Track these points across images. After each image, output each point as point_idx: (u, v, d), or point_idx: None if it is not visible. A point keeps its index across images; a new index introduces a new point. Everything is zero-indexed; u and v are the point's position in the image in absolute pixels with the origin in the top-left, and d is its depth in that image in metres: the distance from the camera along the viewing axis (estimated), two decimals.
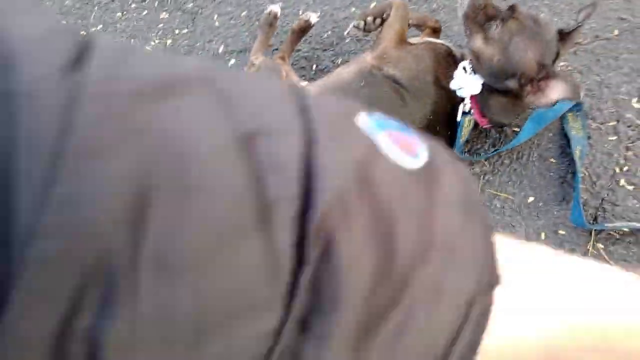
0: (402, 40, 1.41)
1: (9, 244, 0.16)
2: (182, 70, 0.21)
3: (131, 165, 0.17)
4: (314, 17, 1.63)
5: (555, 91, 1.22)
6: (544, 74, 1.23)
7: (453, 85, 1.34)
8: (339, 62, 1.69)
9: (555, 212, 1.39)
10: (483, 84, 1.33)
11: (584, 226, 1.31)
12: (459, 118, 1.37)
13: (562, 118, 1.45)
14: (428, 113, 1.37)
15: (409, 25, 1.55)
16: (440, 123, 1.39)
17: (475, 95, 1.35)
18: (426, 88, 1.36)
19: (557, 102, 1.24)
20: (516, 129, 1.47)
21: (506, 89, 1.30)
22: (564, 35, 1.28)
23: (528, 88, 1.26)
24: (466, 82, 1.34)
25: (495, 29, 1.27)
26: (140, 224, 0.17)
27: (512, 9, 1.26)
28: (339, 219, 0.20)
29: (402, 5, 1.44)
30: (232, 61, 1.80)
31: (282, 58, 1.63)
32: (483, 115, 1.38)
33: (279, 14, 1.66)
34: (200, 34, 1.88)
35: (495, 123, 1.42)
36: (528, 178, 1.44)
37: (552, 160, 1.44)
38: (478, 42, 1.30)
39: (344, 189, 0.20)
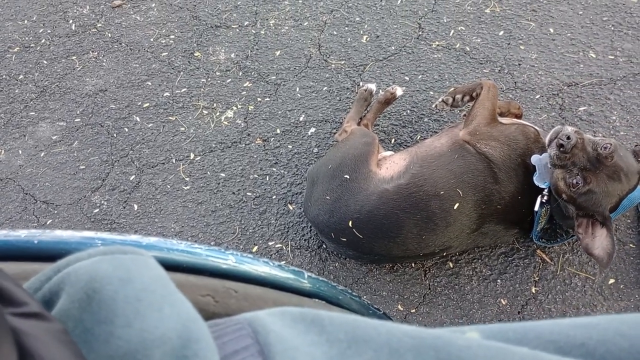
0: (493, 119, 1.47)
1: None
2: None
3: None
4: (399, 91, 1.76)
5: (599, 241, 1.25)
6: (601, 219, 1.26)
7: (535, 179, 1.36)
8: (418, 138, 1.78)
9: (637, 295, 1.41)
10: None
11: None
12: (536, 208, 1.39)
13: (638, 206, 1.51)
14: (517, 194, 1.39)
15: None
16: (527, 205, 1.41)
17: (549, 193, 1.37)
18: (518, 169, 1.39)
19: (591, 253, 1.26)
20: None
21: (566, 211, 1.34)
22: None
23: (581, 220, 1.29)
24: (541, 180, 1.36)
25: (574, 176, 1.25)
26: None
27: (599, 160, 1.23)
28: None
29: (493, 85, 1.54)
30: (312, 129, 1.90)
31: (366, 126, 1.74)
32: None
33: (374, 92, 1.79)
34: (282, 103, 2.00)
35: (561, 223, 1.44)
36: None
37: (631, 245, 1.48)
38: (558, 174, 1.30)
39: None
